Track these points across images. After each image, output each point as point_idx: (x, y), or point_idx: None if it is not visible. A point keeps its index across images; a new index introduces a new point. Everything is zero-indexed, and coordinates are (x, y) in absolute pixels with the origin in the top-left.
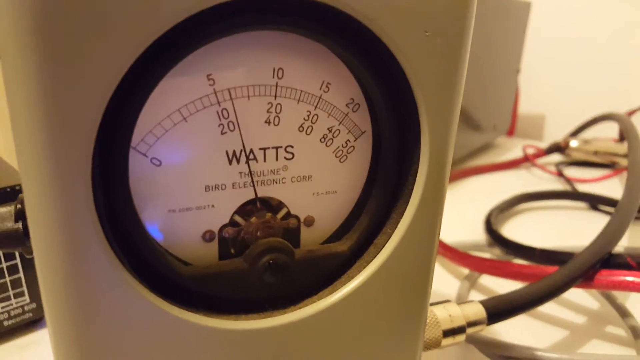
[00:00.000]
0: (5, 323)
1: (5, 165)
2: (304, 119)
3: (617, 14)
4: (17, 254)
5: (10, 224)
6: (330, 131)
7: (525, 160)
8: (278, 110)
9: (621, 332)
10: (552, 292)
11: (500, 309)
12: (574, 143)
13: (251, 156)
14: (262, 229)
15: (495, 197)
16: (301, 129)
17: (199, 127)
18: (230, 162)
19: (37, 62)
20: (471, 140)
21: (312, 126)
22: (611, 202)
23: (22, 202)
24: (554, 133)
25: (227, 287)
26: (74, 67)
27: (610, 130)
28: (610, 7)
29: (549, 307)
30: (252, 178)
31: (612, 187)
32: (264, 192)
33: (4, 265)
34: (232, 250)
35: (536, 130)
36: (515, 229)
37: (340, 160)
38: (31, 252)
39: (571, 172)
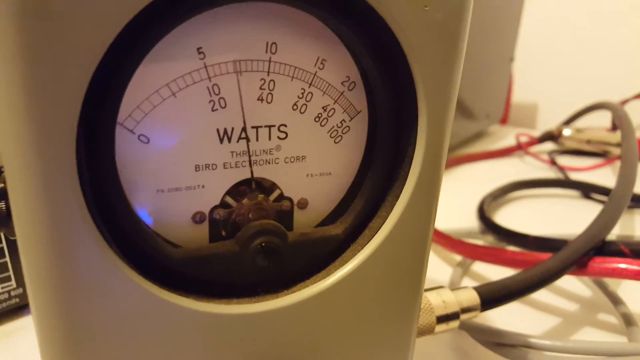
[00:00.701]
0: None
1: None
2: (298, 96)
3: (611, 2)
4: (2, 237)
5: None
6: (325, 110)
7: (518, 149)
8: (271, 87)
9: (613, 320)
10: (546, 279)
11: (494, 296)
12: (566, 132)
13: (243, 135)
14: (254, 211)
15: (488, 185)
16: (295, 107)
17: (189, 104)
18: (221, 140)
19: (17, 31)
20: (464, 128)
21: (306, 104)
22: (603, 191)
23: (4, 181)
24: (547, 122)
25: (218, 271)
26: (57, 35)
27: (603, 119)
28: None
29: (541, 295)
30: (249, 157)
31: (605, 176)
32: (256, 172)
33: None
34: (223, 233)
35: (529, 119)
36: (507, 217)
37: (335, 141)
38: (15, 234)
39: (564, 160)
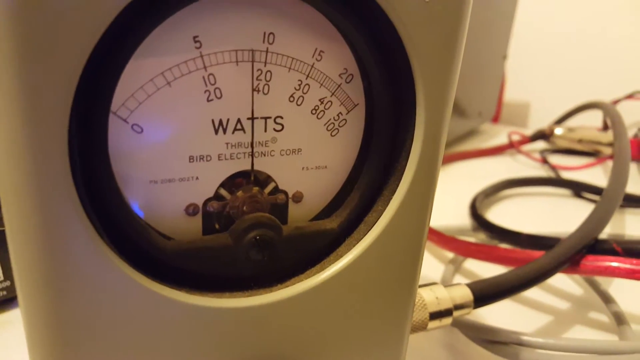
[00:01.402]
0: None
1: None
2: (295, 88)
3: (604, 2)
4: None
5: None
6: (321, 102)
7: (510, 147)
8: (268, 78)
9: (604, 318)
10: (539, 276)
11: (487, 293)
12: (558, 131)
13: (239, 126)
14: (249, 204)
15: (480, 183)
16: (292, 99)
17: (184, 93)
18: (216, 131)
19: (9, 19)
20: (456, 126)
21: (303, 96)
22: (595, 190)
23: None
24: (539, 120)
25: (211, 264)
26: (50, 22)
27: (594, 119)
28: None
29: (533, 293)
30: (252, 148)
31: (596, 175)
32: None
33: None
34: (217, 226)
35: (521, 118)
36: (499, 214)
37: (331, 134)
38: (3, 224)
39: (555, 159)
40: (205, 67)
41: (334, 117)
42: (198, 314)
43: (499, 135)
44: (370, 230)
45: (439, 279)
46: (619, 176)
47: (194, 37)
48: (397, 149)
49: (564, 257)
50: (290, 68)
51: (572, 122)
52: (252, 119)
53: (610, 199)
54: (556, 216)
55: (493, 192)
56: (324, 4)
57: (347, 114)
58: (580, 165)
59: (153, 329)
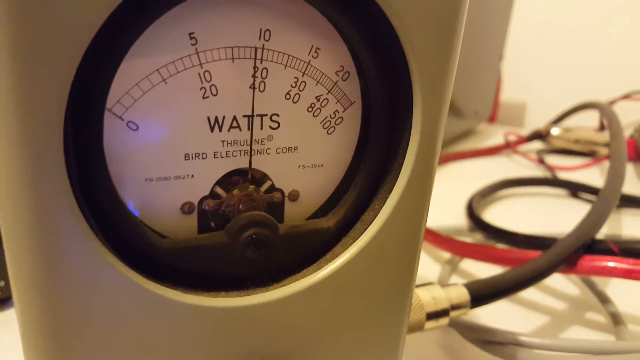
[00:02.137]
0: None
1: None
2: (291, 85)
3: (600, 2)
4: None
5: None
6: (318, 100)
7: (507, 147)
8: (264, 75)
9: (601, 319)
10: (536, 276)
11: (483, 293)
12: (555, 131)
13: (234, 124)
14: (245, 202)
15: (476, 183)
16: (288, 96)
17: (179, 90)
18: (212, 129)
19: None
20: (453, 126)
21: (299, 94)
22: (591, 190)
23: None
24: (536, 121)
25: (206, 263)
26: (45, 18)
27: (591, 119)
28: None
29: (530, 293)
30: (251, 146)
31: (592, 176)
32: (247, 163)
33: None
34: (212, 224)
35: (518, 118)
36: (496, 215)
37: (327, 132)
38: None
39: (551, 159)
40: (201, 64)
41: (330, 115)
42: (192, 313)
43: (496, 135)
44: (366, 229)
45: (435, 279)
46: (615, 176)
47: (190, 34)
48: (394, 147)
49: (561, 257)
50: (286, 65)
51: (568, 123)
52: (248, 116)
53: (606, 199)
54: (553, 216)
55: (489, 192)
56: (320, 1)
57: (343, 112)
58: (576, 165)
59: (148, 328)
